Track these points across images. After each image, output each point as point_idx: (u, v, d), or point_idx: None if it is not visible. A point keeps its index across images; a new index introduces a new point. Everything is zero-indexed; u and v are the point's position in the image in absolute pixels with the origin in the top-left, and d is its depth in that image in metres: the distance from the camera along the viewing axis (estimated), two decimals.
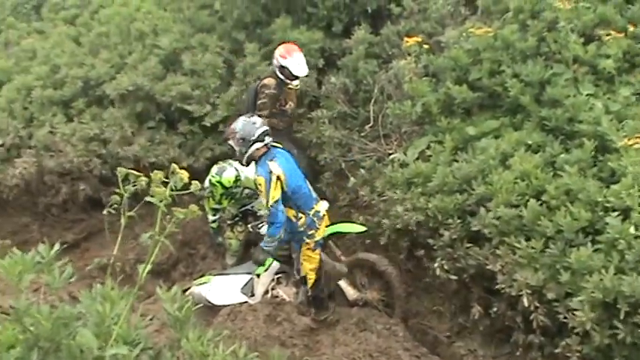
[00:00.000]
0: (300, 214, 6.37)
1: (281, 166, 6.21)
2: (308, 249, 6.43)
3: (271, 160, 6.21)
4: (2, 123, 9.35)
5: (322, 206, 6.55)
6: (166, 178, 2.76)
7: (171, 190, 2.69)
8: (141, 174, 2.91)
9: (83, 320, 2.72)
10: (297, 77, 7.62)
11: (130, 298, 2.69)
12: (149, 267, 2.72)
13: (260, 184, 6.13)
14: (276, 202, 6.08)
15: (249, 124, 6.30)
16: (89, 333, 2.48)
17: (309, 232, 6.38)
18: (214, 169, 7.40)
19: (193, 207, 2.75)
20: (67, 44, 10.52)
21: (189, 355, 2.82)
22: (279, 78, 7.60)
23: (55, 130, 9.02)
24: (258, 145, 6.25)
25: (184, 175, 2.69)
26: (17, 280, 2.70)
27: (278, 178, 6.12)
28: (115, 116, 8.73)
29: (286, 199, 6.24)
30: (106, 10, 10.93)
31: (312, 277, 6.46)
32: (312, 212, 6.40)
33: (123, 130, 8.61)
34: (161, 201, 2.63)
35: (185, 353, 2.88)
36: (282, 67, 7.55)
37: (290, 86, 7.73)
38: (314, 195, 6.58)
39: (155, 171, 2.71)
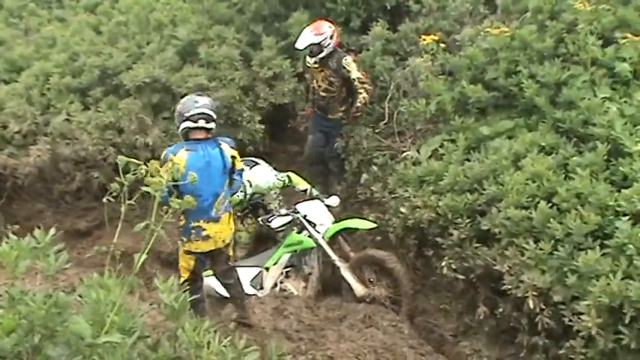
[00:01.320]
0: (182, 217, 5.89)
1: (187, 162, 5.59)
2: (183, 250, 6.06)
3: (188, 150, 5.71)
4: (19, 109, 9.39)
5: (212, 228, 5.89)
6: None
7: (170, 180, 2.69)
8: (141, 163, 2.92)
9: (80, 307, 2.74)
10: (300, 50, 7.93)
11: (126, 286, 2.70)
12: (144, 256, 2.73)
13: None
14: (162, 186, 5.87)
15: (191, 101, 5.94)
16: (82, 320, 2.50)
17: (182, 237, 5.96)
18: None
19: (189, 197, 2.76)
20: (86, 32, 10.55)
21: (185, 345, 2.84)
22: None
23: (72, 118, 9.05)
24: (189, 124, 5.83)
25: (182, 165, 2.70)
26: (13, 266, 2.72)
27: (173, 164, 5.58)
28: (131, 106, 8.75)
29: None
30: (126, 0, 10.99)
31: (184, 276, 6.01)
32: (193, 224, 5.86)
33: (139, 120, 8.64)
34: (157, 190, 2.64)
35: (182, 343, 2.89)
36: None
37: (308, 64, 7.95)
38: (212, 213, 5.87)
39: (152, 160, 2.71)
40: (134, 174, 2.89)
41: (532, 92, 6.37)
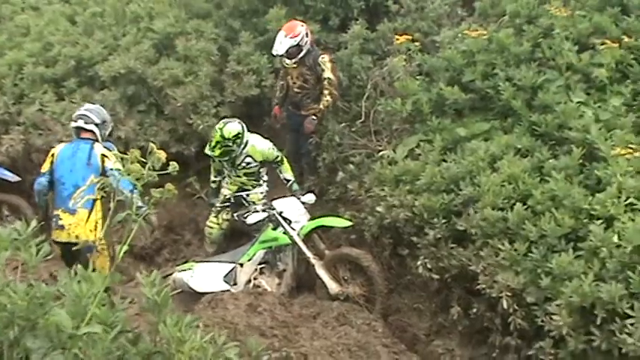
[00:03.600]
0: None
1: (60, 150, 6.54)
2: None
3: (65, 143, 6.72)
4: None
5: (67, 219, 6.36)
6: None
7: (150, 169, 2.66)
8: (124, 155, 2.90)
9: (61, 300, 2.71)
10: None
11: (108, 278, 2.68)
12: (125, 247, 2.71)
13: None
14: (42, 172, 6.56)
15: (83, 106, 6.86)
16: (63, 312, 2.47)
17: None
18: (222, 121, 7.47)
19: (169, 186, 2.74)
20: (61, 22, 10.43)
21: (166, 340, 2.82)
22: None
23: (45, 109, 8.96)
24: (72, 122, 6.71)
25: (162, 154, 2.67)
26: None
27: (52, 155, 6.51)
28: (106, 98, 8.66)
29: None
30: None
31: None
32: (54, 212, 6.46)
33: (113, 112, 8.55)
34: (137, 179, 2.61)
35: (163, 338, 2.88)
36: None
37: (285, 64, 7.94)
38: (69, 204, 6.31)
39: (132, 149, 2.70)
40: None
41: (508, 95, 6.43)
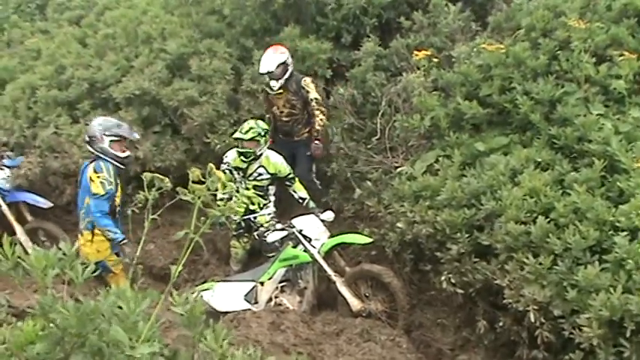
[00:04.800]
0: None
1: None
2: None
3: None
4: (7, 122, 9.34)
5: (80, 240, 6.74)
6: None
7: (208, 189, 2.69)
8: (165, 178, 2.93)
9: (108, 317, 2.72)
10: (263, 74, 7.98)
11: (162, 296, 2.70)
12: (180, 267, 2.73)
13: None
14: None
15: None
16: (119, 329, 2.48)
17: None
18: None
19: (231, 204, 2.77)
20: (72, 45, 10.51)
21: (206, 355, 2.82)
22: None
23: (60, 131, 9.00)
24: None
25: (221, 175, 2.70)
26: (42, 275, 2.71)
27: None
28: (122, 119, 8.68)
29: None
30: (112, 12, 10.94)
31: None
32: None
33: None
34: (199, 198, 2.63)
35: (202, 353, 2.88)
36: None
37: (270, 91, 8.03)
38: (81, 226, 6.79)
39: (193, 168, 2.73)
40: (159, 189, 2.91)
41: (526, 109, 6.42)
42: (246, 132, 7.35)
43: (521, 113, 6.47)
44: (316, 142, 7.91)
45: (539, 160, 6.07)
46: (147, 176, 2.96)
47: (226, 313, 6.56)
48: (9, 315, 3.85)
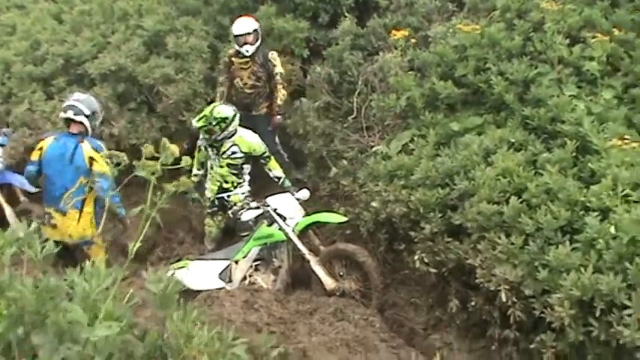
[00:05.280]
0: None
1: (49, 146, 6.49)
2: None
3: (54, 138, 6.57)
4: None
5: (59, 219, 6.54)
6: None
7: (162, 165, 2.65)
8: (123, 154, 2.89)
9: (69, 295, 2.70)
10: (237, 36, 8.12)
11: (120, 274, 2.67)
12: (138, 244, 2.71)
13: None
14: (31, 161, 6.60)
15: (74, 95, 6.82)
16: (78, 308, 2.45)
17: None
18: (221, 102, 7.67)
19: (184, 179, 2.73)
20: (48, 21, 10.40)
21: (174, 335, 2.81)
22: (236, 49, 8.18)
23: (35, 108, 8.91)
24: (61, 113, 6.66)
25: (175, 149, 2.66)
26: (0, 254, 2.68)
27: (40, 148, 6.54)
28: (97, 96, 8.61)
29: None
30: None
31: None
32: (46, 209, 6.62)
33: (104, 110, 8.51)
34: (153, 174, 2.59)
35: (170, 333, 2.87)
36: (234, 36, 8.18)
37: (240, 57, 8.15)
38: (61, 204, 6.50)
39: (145, 144, 2.69)
40: (117, 165, 2.87)
41: (501, 89, 6.45)
42: (200, 119, 7.34)
43: (496, 93, 6.51)
44: (278, 116, 8.17)
45: (513, 140, 6.11)
46: (104, 154, 2.94)
47: (200, 291, 6.54)
48: None
